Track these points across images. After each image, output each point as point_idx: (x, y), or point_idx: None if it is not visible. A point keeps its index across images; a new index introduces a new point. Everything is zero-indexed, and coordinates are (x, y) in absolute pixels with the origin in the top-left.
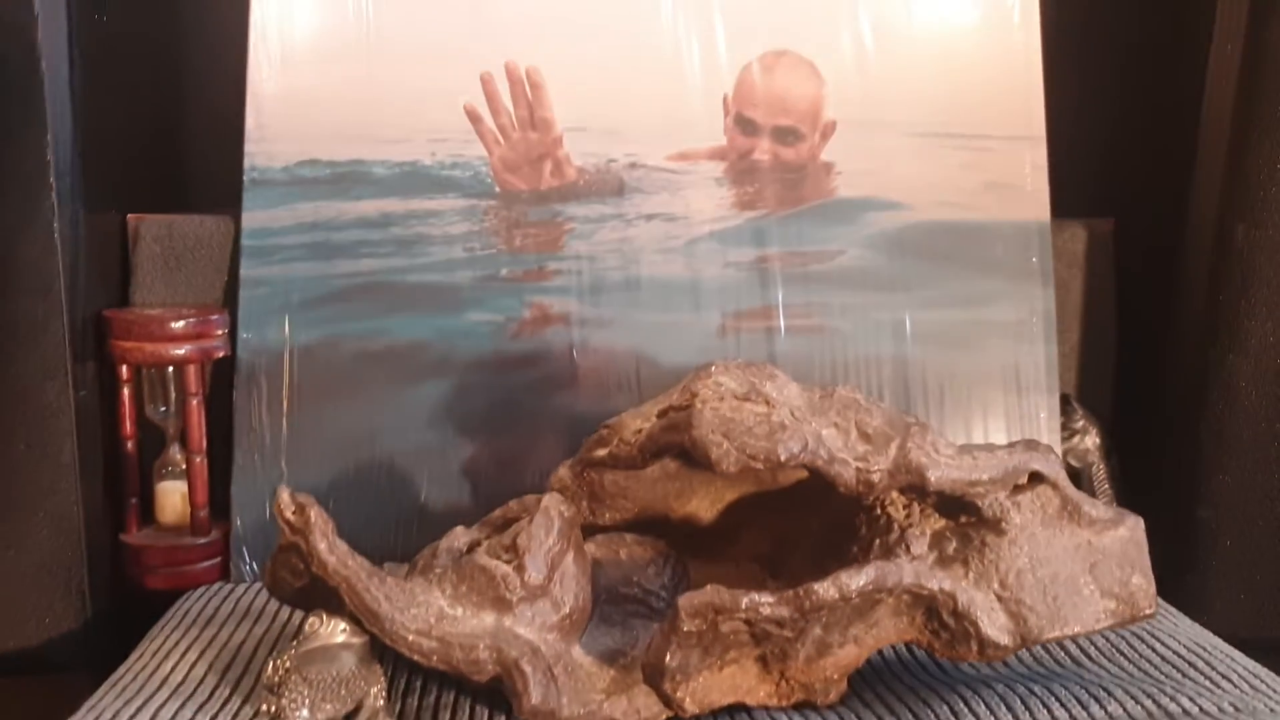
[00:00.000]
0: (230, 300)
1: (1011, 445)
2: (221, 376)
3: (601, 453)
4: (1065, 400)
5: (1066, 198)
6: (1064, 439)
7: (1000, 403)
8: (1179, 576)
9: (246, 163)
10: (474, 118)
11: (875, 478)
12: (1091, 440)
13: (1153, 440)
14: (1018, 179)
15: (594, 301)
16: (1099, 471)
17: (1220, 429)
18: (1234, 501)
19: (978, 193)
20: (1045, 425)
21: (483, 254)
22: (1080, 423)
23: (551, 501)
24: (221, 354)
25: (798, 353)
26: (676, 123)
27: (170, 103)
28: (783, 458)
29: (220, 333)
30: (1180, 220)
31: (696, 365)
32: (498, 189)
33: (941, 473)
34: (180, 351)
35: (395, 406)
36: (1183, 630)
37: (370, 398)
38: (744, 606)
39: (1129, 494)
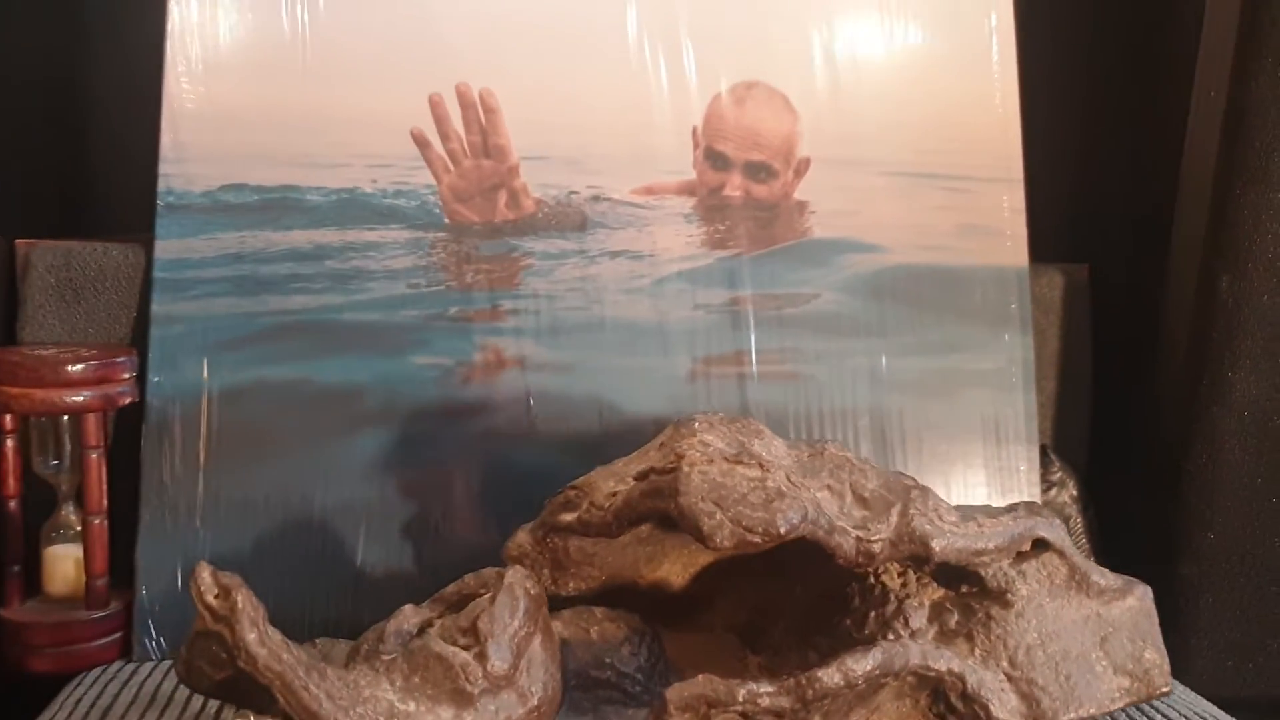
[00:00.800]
0: (139, 339)
1: (1013, 509)
2: (126, 426)
3: (569, 518)
4: (1042, 451)
5: (1040, 242)
6: (1041, 491)
7: (980, 454)
8: None
9: (161, 185)
10: (421, 143)
11: (876, 548)
12: (1069, 493)
13: (1129, 494)
14: (996, 222)
15: (552, 344)
16: (1076, 525)
17: (1204, 484)
18: (1217, 558)
19: (955, 235)
20: (1025, 477)
21: (429, 291)
22: (1058, 474)
23: (516, 578)
24: (128, 400)
25: (771, 401)
26: (643, 154)
27: (71, 115)
28: (783, 530)
29: (126, 376)
30: (1156, 267)
31: (674, 417)
32: (446, 220)
33: (946, 541)
34: (78, 398)
35: (329, 460)
36: (1180, 701)
37: (300, 450)
38: (741, 699)
39: (1104, 549)
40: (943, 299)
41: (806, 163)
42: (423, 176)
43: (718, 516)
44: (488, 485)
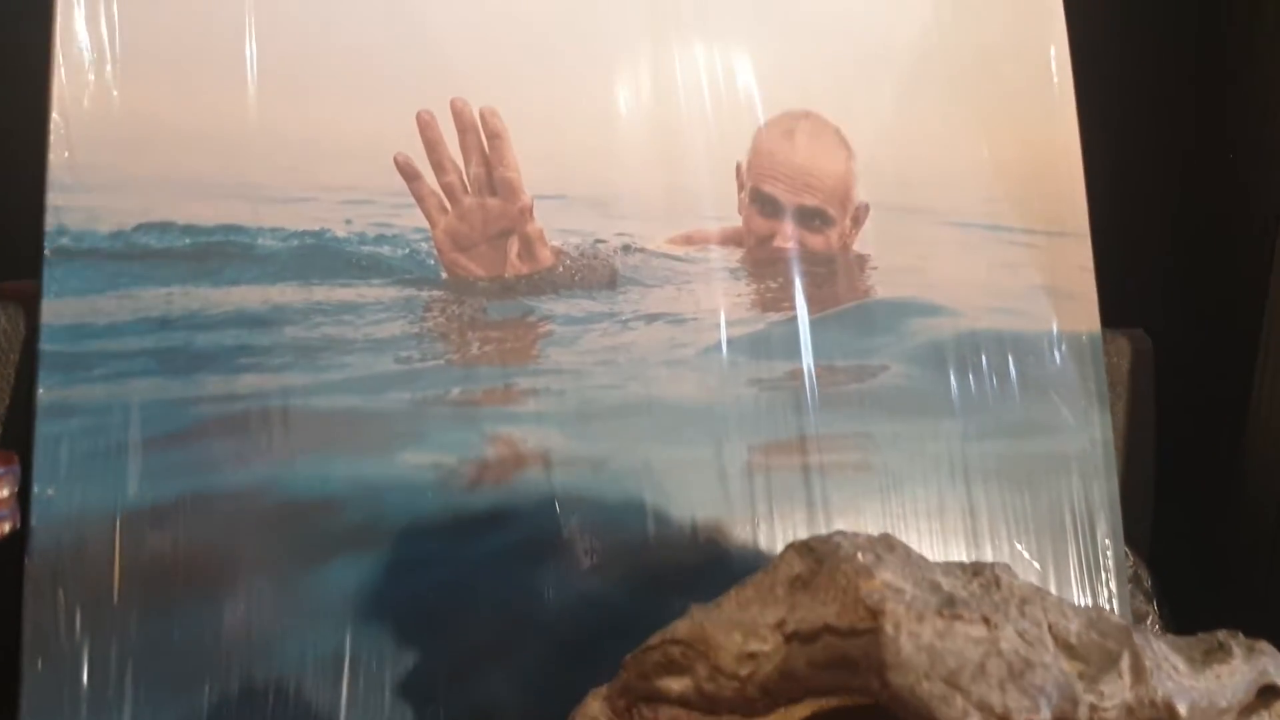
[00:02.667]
0: (19, 440)
1: (1223, 643)
2: (4, 561)
3: (677, 686)
4: None
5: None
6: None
7: (1069, 552)
8: None
9: (50, 222)
10: (409, 174)
11: (1111, 716)
12: (1143, 588)
13: (1198, 588)
14: (1066, 282)
15: (581, 433)
16: (1152, 623)
17: None
18: None
19: (1025, 296)
20: (1114, 576)
21: (423, 366)
22: (1131, 568)
23: None
24: (5, 527)
25: (842, 497)
26: (680, 195)
27: None
28: (1045, 717)
29: (3, 494)
30: (1221, 332)
31: (734, 523)
32: (444, 274)
33: (1191, 701)
34: None
35: (295, 598)
36: None
37: (256, 587)
38: None
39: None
40: (1019, 370)
41: (865, 209)
42: (412, 217)
43: (958, 703)
44: (509, 625)
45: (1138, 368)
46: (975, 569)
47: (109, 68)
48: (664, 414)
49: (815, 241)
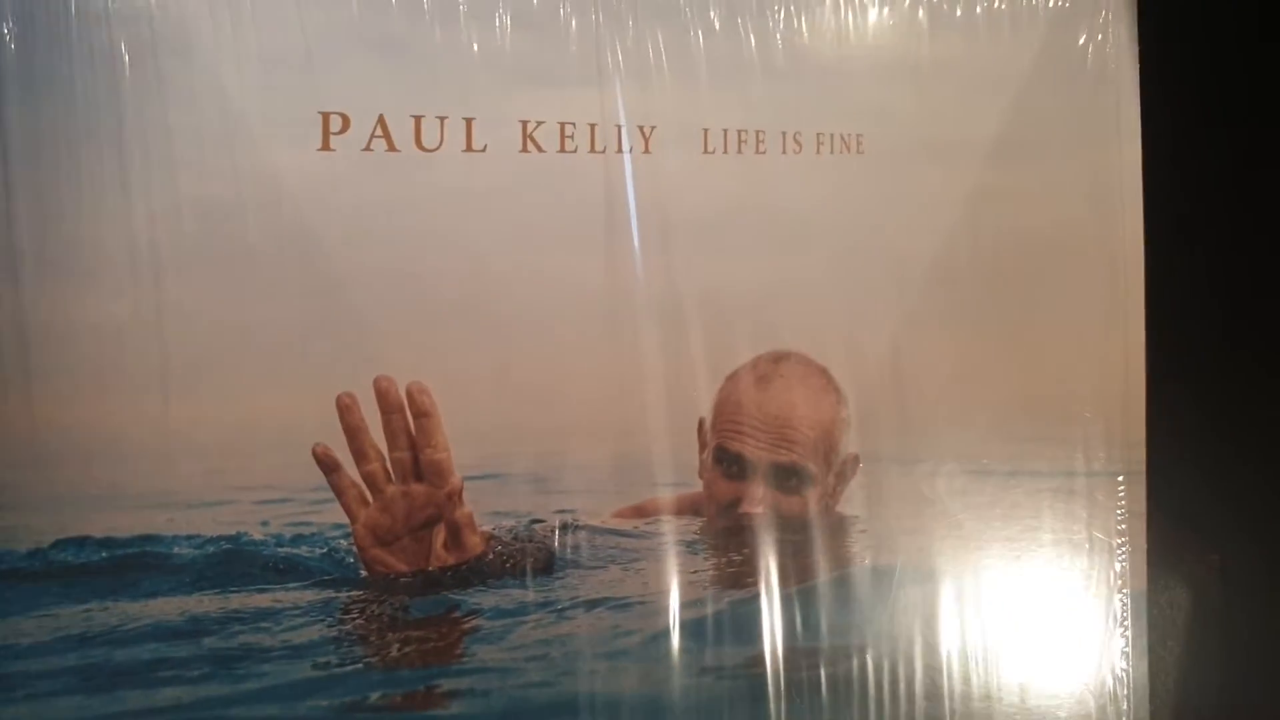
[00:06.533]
0: None
1: None
2: None
3: None
4: None
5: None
6: None
7: None
8: None
9: None
10: (328, 465)
11: None
12: None
13: None
14: (1106, 529)
15: None
16: None
17: None
18: None
19: (1052, 554)
20: None
21: (343, 671)
22: None
23: None
24: None
25: None
26: (630, 461)
27: None
28: None
29: None
30: None
31: None
32: (364, 572)
33: None
34: None
35: None
36: None
37: None
38: None
39: None
40: (1036, 649)
41: (855, 462)
42: (331, 513)
43: None
44: None
45: (1198, 615)
46: None
47: (24, 391)
48: (601, 712)
49: (791, 504)
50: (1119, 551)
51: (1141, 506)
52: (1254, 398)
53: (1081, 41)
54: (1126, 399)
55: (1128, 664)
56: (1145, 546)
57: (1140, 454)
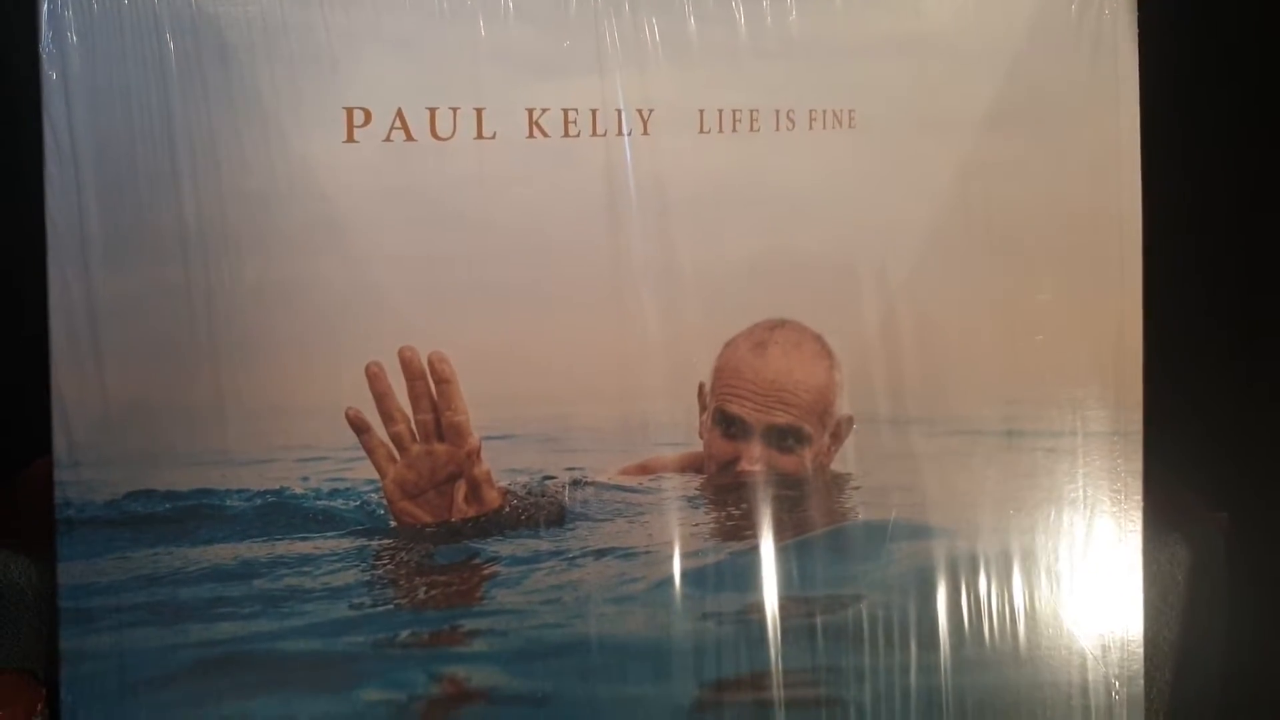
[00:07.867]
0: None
1: None
2: None
3: None
4: None
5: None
6: None
7: None
8: None
9: (58, 495)
10: (359, 427)
11: None
12: None
13: None
14: (1103, 487)
15: (524, 671)
16: None
17: None
18: None
19: (1051, 512)
20: None
21: (375, 611)
22: None
23: None
24: None
25: None
26: (635, 423)
27: None
28: None
29: None
30: None
31: None
32: (393, 523)
33: None
34: None
35: None
36: None
37: None
38: None
39: None
40: (1025, 597)
41: (849, 422)
42: (363, 470)
43: None
44: None
45: (1205, 563)
46: None
47: (89, 354)
48: (610, 652)
49: (787, 463)
50: (1117, 509)
51: (1139, 465)
52: (1253, 359)
53: (1075, 9)
54: (1122, 362)
55: (1126, 620)
56: (1142, 504)
57: (1137, 415)
